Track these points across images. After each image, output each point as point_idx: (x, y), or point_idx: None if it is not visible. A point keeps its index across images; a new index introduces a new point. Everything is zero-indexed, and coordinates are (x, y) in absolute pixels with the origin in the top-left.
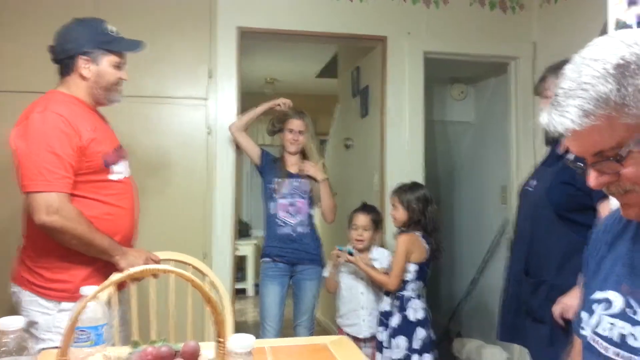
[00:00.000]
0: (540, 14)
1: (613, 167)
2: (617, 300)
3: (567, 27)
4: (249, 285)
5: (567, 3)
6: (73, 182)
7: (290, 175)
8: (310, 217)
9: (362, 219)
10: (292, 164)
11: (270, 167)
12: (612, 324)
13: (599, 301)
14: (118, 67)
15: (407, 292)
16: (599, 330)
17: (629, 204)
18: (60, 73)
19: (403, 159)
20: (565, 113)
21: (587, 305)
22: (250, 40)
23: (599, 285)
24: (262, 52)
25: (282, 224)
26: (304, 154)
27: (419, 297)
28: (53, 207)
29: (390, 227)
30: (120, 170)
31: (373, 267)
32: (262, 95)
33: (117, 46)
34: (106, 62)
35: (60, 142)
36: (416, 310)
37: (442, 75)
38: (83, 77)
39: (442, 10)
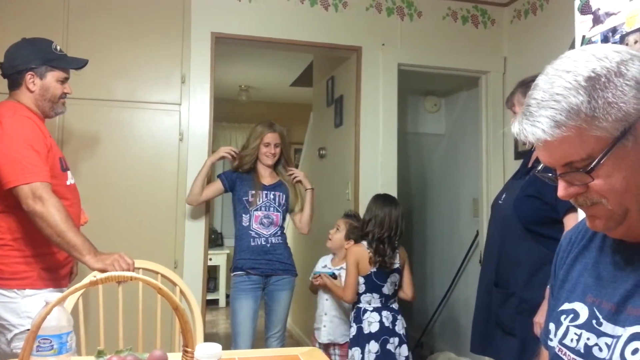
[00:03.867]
0: (510, 29)
1: (582, 178)
2: (583, 311)
3: (537, 43)
4: (221, 295)
5: (536, 19)
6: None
7: (265, 188)
8: (282, 228)
9: (340, 220)
10: (267, 175)
11: (240, 181)
12: (578, 334)
13: (566, 312)
14: (62, 82)
15: (362, 304)
16: (566, 342)
17: (596, 215)
18: (9, 87)
19: (377, 169)
20: (536, 123)
21: (555, 316)
22: (225, 46)
23: (567, 296)
24: (236, 59)
25: (255, 235)
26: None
27: (377, 309)
28: (37, 193)
29: None
30: (71, 176)
31: (334, 282)
32: (236, 102)
33: (61, 63)
34: (51, 77)
35: (37, 140)
36: (370, 323)
37: (416, 88)
38: (29, 90)
39: (416, 22)
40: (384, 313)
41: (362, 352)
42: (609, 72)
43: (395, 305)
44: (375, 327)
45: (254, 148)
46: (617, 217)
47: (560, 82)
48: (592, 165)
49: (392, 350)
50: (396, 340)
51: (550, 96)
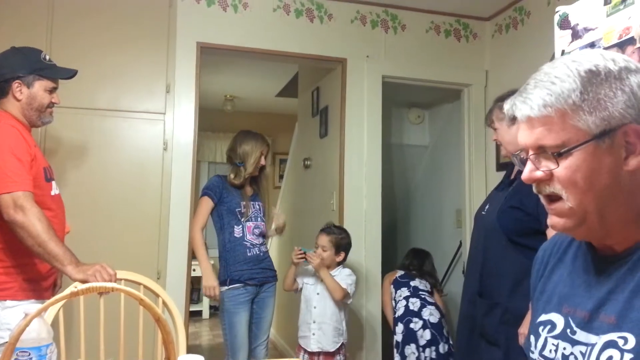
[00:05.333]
0: (492, 43)
1: (549, 163)
2: (559, 321)
3: (517, 57)
4: (204, 307)
5: (517, 34)
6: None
7: (250, 199)
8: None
9: (322, 239)
10: (248, 186)
11: (227, 193)
12: (555, 345)
13: (544, 324)
14: (50, 91)
15: (396, 297)
16: (545, 353)
17: (556, 213)
18: None
19: (361, 180)
20: (527, 100)
21: (534, 328)
22: (210, 56)
23: (543, 308)
24: (222, 69)
25: (250, 245)
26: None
27: (405, 297)
28: (18, 202)
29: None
30: (55, 187)
31: (330, 276)
32: (221, 111)
33: (49, 73)
34: (38, 86)
35: (20, 149)
36: (399, 308)
37: (400, 99)
38: (16, 99)
39: (400, 35)
40: (412, 300)
41: (395, 334)
42: (609, 72)
43: (430, 299)
44: (400, 311)
45: (255, 164)
46: (576, 217)
47: (562, 68)
48: (562, 151)
49: (415, 329)
50: (419, 322)
51: (549, 78)
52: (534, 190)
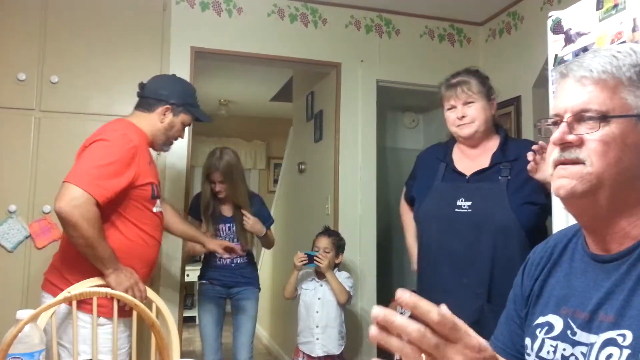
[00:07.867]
0: (486, 48)
1: (585, 128)
2: (558, 322)
3: (511, 61)
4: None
5: (511, 38)
6: (109, 199)
7: (224, 220)
8: (246, 251)
9: (323, 241)
10: (226, 206)
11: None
12: (554, 346)
13: (541, 325)
14: (185, 126)
15: None
16: (542, 354)
17: (568, 174)
18: (137, 106)
19: (356, 184)
20: (585, 64)
21: (530, 331)
22: (205, 60)
23: (541, 310)
24: (216, 74)
25: (219, 257)
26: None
27: None
28: (76, 201)
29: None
30: (159, 204)
31: (336, 278)
32: (216, 116)
33: (195, 111)
34: (181, 118)
35: (122, 163)
36: None
37: (394, 103)
38: (159, 120)
39: (394, 40)
40: None
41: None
42: None
43: None
44: None
45: (206, 188)
46: (590, 184)
47: (625, 47)
48: (607, 115)
49: None
50: None
51: (611, 52)
52: (555, 155)
